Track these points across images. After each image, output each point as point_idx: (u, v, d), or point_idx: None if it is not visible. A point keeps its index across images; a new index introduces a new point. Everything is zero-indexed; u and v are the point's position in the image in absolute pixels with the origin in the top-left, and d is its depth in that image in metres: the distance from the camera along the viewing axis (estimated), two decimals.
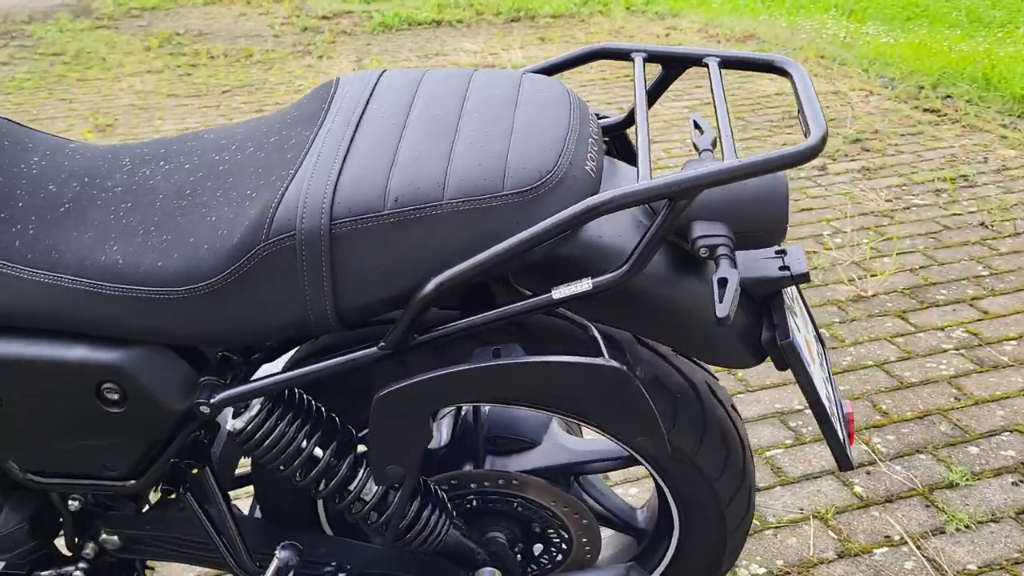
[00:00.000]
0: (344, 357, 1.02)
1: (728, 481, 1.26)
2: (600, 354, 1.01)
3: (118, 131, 4.48)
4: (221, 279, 0.98)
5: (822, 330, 2.57)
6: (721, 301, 0.93)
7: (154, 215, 1.05)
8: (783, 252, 1.14)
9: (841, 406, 1.29)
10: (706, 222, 1.03)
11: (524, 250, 0.93)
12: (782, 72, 1.12)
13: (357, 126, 1.03)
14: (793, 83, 1.07)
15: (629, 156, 1.32)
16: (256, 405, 1.08)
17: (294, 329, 1.00)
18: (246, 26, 6.69)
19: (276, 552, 1.14)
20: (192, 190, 1.07)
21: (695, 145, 1.17)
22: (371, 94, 1.10)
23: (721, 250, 1.00)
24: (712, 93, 1.09)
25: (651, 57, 1.20)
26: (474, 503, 1.31)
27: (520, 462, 1.38)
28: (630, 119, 1.27)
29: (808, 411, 2.23)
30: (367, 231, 0.94)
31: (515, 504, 1.30)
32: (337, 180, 0.96)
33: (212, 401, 1.04)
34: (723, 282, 0.95)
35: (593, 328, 1.04)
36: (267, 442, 1.09)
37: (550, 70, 1.25)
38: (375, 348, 1.00)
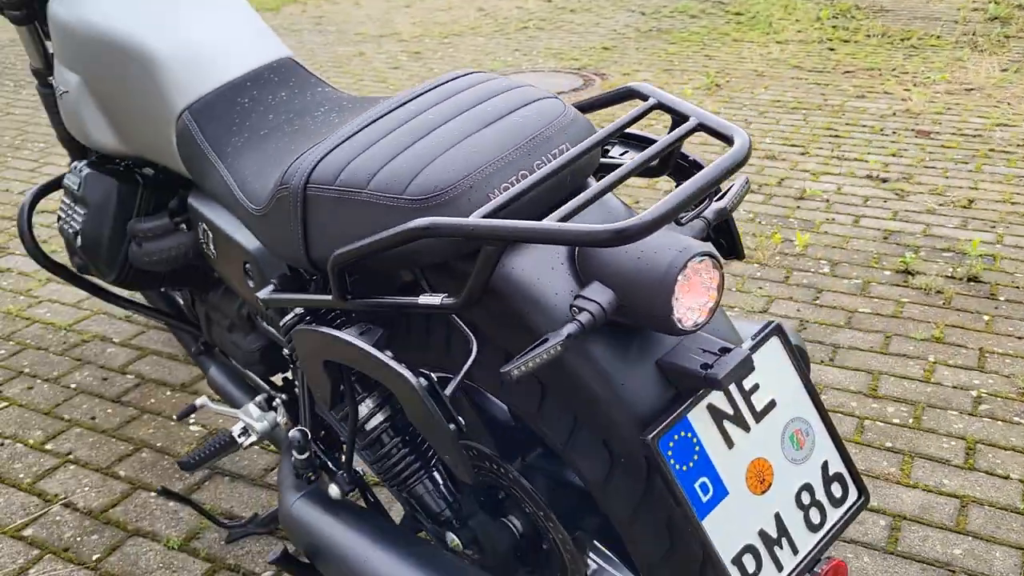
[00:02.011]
0: (306, 296, 1.20)
1: (669, 574, 1.09)
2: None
3: (720, 92, 4.73)
4: (263, 208, 1.22)
5: None
6: (517, 358, 0.89)
7: (284, 151, 1.33)
8: (726, 351, 0.97)
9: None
10: (599, 286, 0.96)
11: (371, 252, 1.01)
12: (729, 139, 0.97)
13: (385, 114, 1.16)
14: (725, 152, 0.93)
15: (729, 238, 1.18)
16: (293, 312, 1.28)
17: (303, 263, 1.19)
18: (937, 7, 6.27)
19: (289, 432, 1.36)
20: (308, 136, 1.32)
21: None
22: (428, 89, 1.19)
23: (583, 316, 0.93)
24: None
25: (661, 105, 1.10)
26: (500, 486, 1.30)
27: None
28: (663, 167, 1.16)
29: None
30: (321, 198, 1.10)
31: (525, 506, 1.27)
32: (327, 153, 1.12)
33: (261, 296, 1.28)
34: (543, 342, 0.90)
35: (473, 342, 1.05)
36: (289, 345, 1.31)
37: (586, 107, 1.22)
38: (328, 296, 1.15)
